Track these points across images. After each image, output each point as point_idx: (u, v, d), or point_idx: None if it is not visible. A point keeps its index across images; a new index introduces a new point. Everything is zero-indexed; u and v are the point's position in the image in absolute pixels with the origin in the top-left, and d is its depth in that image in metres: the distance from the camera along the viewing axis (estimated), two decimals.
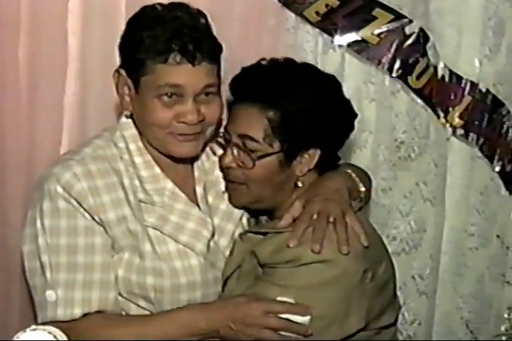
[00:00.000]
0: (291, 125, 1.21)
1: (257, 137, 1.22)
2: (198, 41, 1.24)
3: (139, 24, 1.27)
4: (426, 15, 1.65)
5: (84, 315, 1.25)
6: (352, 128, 1.28)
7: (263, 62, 1.27)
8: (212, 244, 1.31)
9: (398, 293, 1.34)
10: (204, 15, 1.30)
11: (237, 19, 1.63)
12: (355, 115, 1.27)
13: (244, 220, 1.38)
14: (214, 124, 1.30)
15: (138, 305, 1.29)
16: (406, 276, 1.74)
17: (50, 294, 1.26)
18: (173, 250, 1.30)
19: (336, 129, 1.24)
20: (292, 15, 1.64)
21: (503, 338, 0.91)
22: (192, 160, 1.36)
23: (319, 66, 1.62)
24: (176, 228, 1.31)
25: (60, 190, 1.26)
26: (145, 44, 1.25)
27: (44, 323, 1.24)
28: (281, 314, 1.16)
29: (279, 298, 1.17)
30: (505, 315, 1.40)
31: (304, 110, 1.20)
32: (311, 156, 1.23)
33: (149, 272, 1.28)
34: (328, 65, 1.68)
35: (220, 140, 1.31)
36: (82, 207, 1.26)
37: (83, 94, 1.62)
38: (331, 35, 1.62)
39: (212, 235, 1.32)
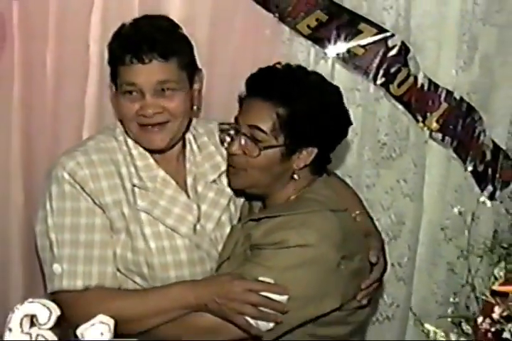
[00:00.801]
0: (297, 123, 1.34)
1: (266, 129, 1.34)
2: (150, 42, 1.37)
3: (113, 37, 1.45)
4: (407, 30, 1.80)
5: (86, 288, 1.37)
6: (346, 134, 1.43)
7: (278, 66, 1.42)
8: (198, 227, 1.45)
9: None
10: (168, 20, 1.46)
11: (238, 32, 1.79)
12: (351, 123, 1.43)
13: (233, 208, 1.51)
14: (179, 116, 1.42)
15: (134, 282, 1.43)
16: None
17: (57, 267, 1.40)
18: (161, 231, 1.43)
19: (333, 133, 1.39)
20: (287, 28, 1.78)
21: (449, 319, 1.06)
22: (184, 154, 1.49)
23: None
24: (163, 212, 1.44)
25: (66, 175, 1.41)
26: (113, 51, 1.43)
27: (52, 293, 1.40)
28: (261, 292, 1.29)
29: (260, 278, 1.29)
30: (451, 299, 1.55)
31: (309, 112, 1.34)
32: (309, 153, 1.37)
33: (141, 251, 1.42)
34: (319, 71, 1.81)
35: (231, 130, 1.42)
36: (85, 191, 1.41)
37: (102, 94, 1.79)
38: (322, 46, 1.77)
39: (198, 220, 1.45)
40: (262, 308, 1.29)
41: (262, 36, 1.79)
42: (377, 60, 1.77)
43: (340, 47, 1.77)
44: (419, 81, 1.82)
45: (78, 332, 0.99)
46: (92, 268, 1.40)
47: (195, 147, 1.51)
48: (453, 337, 0.94)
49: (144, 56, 1.37)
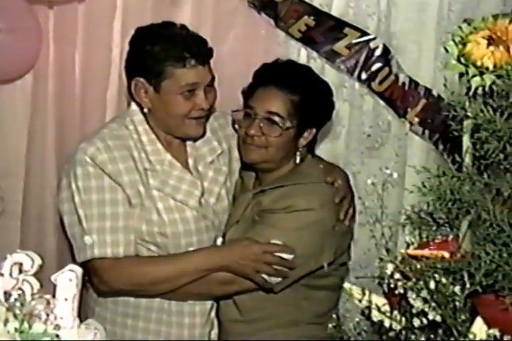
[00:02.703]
0: (306, 108, 1.60)
1: (283, 114, 1.59)
2: (201, 47, 1.57)
3: (147, 41, 1.56)
4: (388, 34, 1.98)
5: (115, 255, 1.54)
6: (330, 117, 1.71)
7: (282, 60, 1.68)
8: (203, 201, 1.64)
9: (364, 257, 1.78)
10: (187, 27, 1.62)
11: (239, 35, 2.00)
12: (334, 107, 1.70)
13: (228, 184, 1.71)
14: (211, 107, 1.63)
15: (148, 249, 1.60)
16: (370, 244, 2.08)
17: (88, 239, 1.55)
18: (172, 205, 1.61)
19: (327, 115, 1.68)
20: (281, 32, 1.99)
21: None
22: (183, 139, 1.67)
23: None
24: (173, 189, 1.62)
25: (87, 159, 1.56)
26: (160, 56, 1.54)
27: (83, 263, 1.54)
28: (275, 253, 1.54)
29: (272, 241, 1.54)
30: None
31: (315, 98, 1.62)
32: (310, 133, 1.64)
33: (155, 223, 1.60)
34: None
35: (247, 115, 1.62)
36: (105, 173, 1.56)
37: (121, 91, 2.00)
38: (312, 47, 1.97)
39: (202, 194, 1.65)
40: (275, 266, 1.54)
41: (260, 39, 2.01)
42: (360, 60, 1.96)
43: (328, 48, 1.96)
44: (401, 79, 1.99)
45: (52, 277, 1.08)
46: (118, 237, 1.56)
47: None
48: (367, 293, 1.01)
49: (203, 59, 1.56)
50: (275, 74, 1.63)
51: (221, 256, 1.57)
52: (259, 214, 1.61)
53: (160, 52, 1.55)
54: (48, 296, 1.08)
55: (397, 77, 2.00)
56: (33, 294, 1.07)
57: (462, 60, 0.83)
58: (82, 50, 2.07)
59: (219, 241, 1.68)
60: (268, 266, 1.55)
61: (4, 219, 2.12)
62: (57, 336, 1.04)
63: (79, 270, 1.09)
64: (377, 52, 1.97)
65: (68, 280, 1.06)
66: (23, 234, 2.16)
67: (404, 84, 2.00)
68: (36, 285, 1.09)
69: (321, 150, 2.01)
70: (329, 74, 2.01)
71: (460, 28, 0.84)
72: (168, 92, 1.57)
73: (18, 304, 1.05)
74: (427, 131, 2.04)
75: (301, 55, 2.01)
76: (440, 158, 2.04)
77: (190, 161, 1.68)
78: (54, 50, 2.09)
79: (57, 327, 1.04)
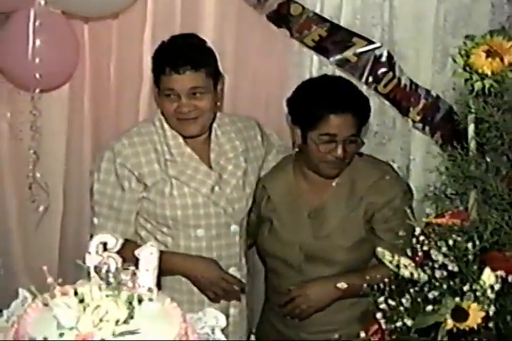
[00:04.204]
0: (364, 124, 1.86)
1: (357, 133, 1.81)
2: (184, 57, 1.71)
3: (155, 52, 1.81)
4: (391, 42, 2.17)
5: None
6: None
7: (341, 81, 1.88)
8: (217, 189, 1.83)
9: None
10: (197, 37, 1.81)
11: (258, 44, 2.19)
12: None
13: (247, 177, 1.88)
14: (207, 112, 1.77)
15: (162, 232, 1.81)
16: None
17: (95, 220, 1.82)
18: (186, 192, 1.81)
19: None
20: (295, 41, 2.16)
21: None
22: (210, 137, 1.85)
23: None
24: (189, 178, 1.81)
25: (112, 155, 1.79)
26: (156, 64, 1.78)
27: (91, 236, 1.70)
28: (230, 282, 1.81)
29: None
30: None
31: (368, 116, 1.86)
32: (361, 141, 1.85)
33: (168, 207, 1.80)
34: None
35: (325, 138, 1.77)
36: (126, 167, 1.78)
37: (152, 95, 2.11)
38: (324, 55, 2.16)
39: (217, 183, 1.82)
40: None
41: (277, 48, 2.19)
42: (367, 66, 2.16)
43: (338, 56, 2.16)
44: (403, 82, 2.18)
45: (136, 252, 1.26)
46: (117, 226, 1.81)
47: (219, 133, 1.88)
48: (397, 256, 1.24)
49: (179, 68, 1.71)
50: (350, 104, 1.79)
51: (186, 267, 1.81)
52: (380, 212, 1.80)
53: (154, 61, 1.80)
54: (133, 268, 1.29)
55: (399, 80, 2.19)
56: (117, 267, 1.27)
57: (467, 68, 1.06)
58: (115, 61, 2.26)
59: (233, 227, 1.87)
60: (219, 290, 1.80)
61: (47, 216, 2.32)
62: (140, 301, 1.22)
63: (156, 246, 1.28)
64: (382, 59, 2.17)
65: (149, 253, 1.26)
66: (63, 229, 2.36)
67: (406, 86, 2.19)
68: (119, 260, 1.27)
69: None
70: None
71: (465, 43, 1.08)
72: (159, 95, 1.80)
73: (110, 275, 1.25)
74: (427, 128, 2.23)
75: (314, 61, 2.20)
76: (439, 150, 2.26)
77: (212, 155, 1.87)
78: (89, 59, 2.27)
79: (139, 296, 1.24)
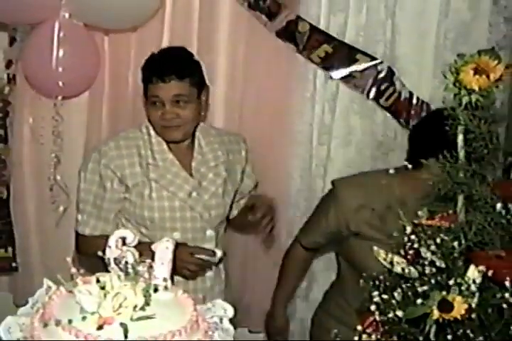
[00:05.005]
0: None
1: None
2: (169, 67, 1.82)
3: (145, 63, 1.89)
4: (393, 57, 2.29)
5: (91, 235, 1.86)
6: None
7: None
8: (194, 194, 1.91)
9: None
10: (184, 50, 1.90)
11: (267, 57, 2.32)
12: None
13: (227, 186, 1.96)
14: (189, 121, 1.86)
15: (141, 232, 1.87)
16: None
17: (79, 216, 1.93)
18: (164, 195, 1.89)
19: None
20: (303, 58, 2.27)
21: None
22: (193, 145, 1.93)
23: (321, 92, 2.30)
24: (168, 182, 1.89)
25: (98, 156, 1.88)
26: (144, 73, 1.87)
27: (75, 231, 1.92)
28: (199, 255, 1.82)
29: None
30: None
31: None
32: None
33: (146, 208, 1.89)
34: (327, 90, 2.32)
35: None
36: (110, 168, 1.86)
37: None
38: (329, 71, 2.29)
39: (194, 189, 1.90)
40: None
41: (283, 60, 2.30)
42: (370, 81, 2.28)
43: (342, 71, 2.28)
44: (403, 96, 2.31)
45: (152, 246, 1.31)
46: (97, 224, 1.91)
47: (203, 143, 1.96)
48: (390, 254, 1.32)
49: (165, 77, 1.81)
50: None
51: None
52: None
53: (143, 72, 1.90)
54: (149, 260, 1.40)
55: (400, 94, 2.31)
56: (135, 260, 1.35)
57: (457, 84, 1.18)
58: (133, 71, 2.32)
59: (208, 232, 1.95)
60: (192, 266, 1.83)
61: (65, 216, 2.42)
62: (155, 291, 1.30)
63: (172, 241, 1.37)
64: (384, 74, 2.29)
65: (165, 248, 1.34)
66: None
67: (406, 99, 2.32)
68: (136, 253, 1.35)
69: (336, 154, 2.36)
70: (344, 92, 2.34)
71: (455, 61, 1.20)
72: (147, 103, 1.91)
73: (128, 266, 1.35)
74: None
75: (318, 75, 2.32)
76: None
77: (194, 163, 1.95)
78: (109, 70, 2.39)
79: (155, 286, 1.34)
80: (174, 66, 1.85)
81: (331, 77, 2.29)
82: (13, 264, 2.51)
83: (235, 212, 2.11)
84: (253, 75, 2.33)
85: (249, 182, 2.12)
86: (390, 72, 2.30)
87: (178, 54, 1.91)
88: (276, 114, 2.38)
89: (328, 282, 2.12)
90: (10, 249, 2.50)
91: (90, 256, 1.67)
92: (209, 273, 1.98)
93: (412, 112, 2.35)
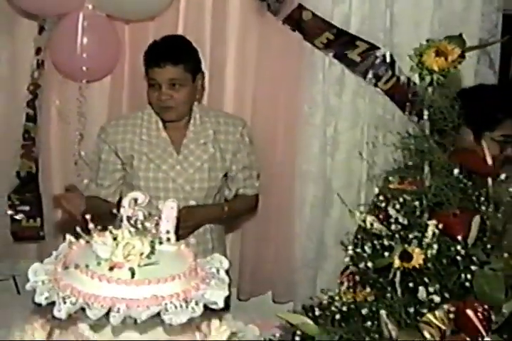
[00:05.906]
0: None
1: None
2: (165, 53, 2.01)
3: (147, 49, 2.09)
4: (391, 45, 2.43)
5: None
6: None
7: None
8: (178, 167, 2.09)
9: None
10: (182, 38, 2.10)
11: (278, 45, 2.45)
12: None
13: (214, 162, 2.11)
14: (182, 103, 2.03)
15: None
16: None
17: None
18: (151, 167, 2.09)
19: None
20: (308, 44, 2.40)
21: None
22: (189, 124, 2.10)
23: (327, 76, 2.44)
24: (155, 156, 2.09)
25: (100, 132, 2.14)
26: (145, 59, 2.07)
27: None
28: None
29: None
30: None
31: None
32: None
33: (135, 178, 2.09)
34: (332, 74, 2.45)
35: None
36: (106, 142, 2.11)
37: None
38: (333, 56, 2.43)
39: (179, 163, 2.08)
40: None
41: (293, 49, 2.44)
42: (369, 65, 2.42)
43: (344, 56, 2.43)
44: (401, 80, 2.45)
45: (159, 205, 1.43)
46: (96, 189, 2.15)
47: (198, 122, 2.12)
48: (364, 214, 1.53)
49: (160, 63, 1.99)
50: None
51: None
52: None
53: (144, 57, 2.09)
54: (156, 218, 1.59)
55: (398, 78, 2.46)
56: (144, 217, 1.52)
57: (420, 65, 1.36)
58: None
59: (191, 203, 2.10)
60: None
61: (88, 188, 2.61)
62: (161, 243, 1.50)
63: (176, 201, 1.53)
64: (382, 59, 2.44)
65: (170, 208, 1.52)
66: None
67: (404, 83, 2.46)
68: (146, 212, 1.52)
69: (344, 136, 2.51)
70: (348, 76, 2.48)
71: (421, 44, 1.38)
72: (147, 85, 2.09)
73: (138, 222, 1.55)
74: (421, 120, 2.51)
75: (325, 61, 2.46)
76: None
77: (185, 141, 2.13)
78: (129, 56, 2.56)
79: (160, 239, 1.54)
80: (170, 53, 2.03)
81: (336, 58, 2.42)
82: (41, 233, 2.68)
83: (231, 194, 2.24)
84: (266, 62, 2.46)
85: (247, 170, 2.22)
86: (390, 58, 2.45)
87: (176, 42, 2.10)
88: (287, 100, 2.50)
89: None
90: (38, 219, 2.67)
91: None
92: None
93: (409, 96, 2.46)
